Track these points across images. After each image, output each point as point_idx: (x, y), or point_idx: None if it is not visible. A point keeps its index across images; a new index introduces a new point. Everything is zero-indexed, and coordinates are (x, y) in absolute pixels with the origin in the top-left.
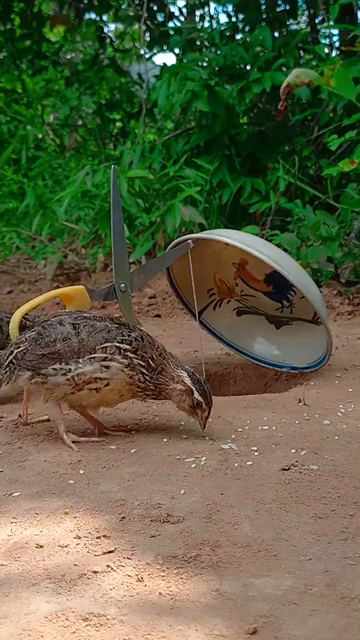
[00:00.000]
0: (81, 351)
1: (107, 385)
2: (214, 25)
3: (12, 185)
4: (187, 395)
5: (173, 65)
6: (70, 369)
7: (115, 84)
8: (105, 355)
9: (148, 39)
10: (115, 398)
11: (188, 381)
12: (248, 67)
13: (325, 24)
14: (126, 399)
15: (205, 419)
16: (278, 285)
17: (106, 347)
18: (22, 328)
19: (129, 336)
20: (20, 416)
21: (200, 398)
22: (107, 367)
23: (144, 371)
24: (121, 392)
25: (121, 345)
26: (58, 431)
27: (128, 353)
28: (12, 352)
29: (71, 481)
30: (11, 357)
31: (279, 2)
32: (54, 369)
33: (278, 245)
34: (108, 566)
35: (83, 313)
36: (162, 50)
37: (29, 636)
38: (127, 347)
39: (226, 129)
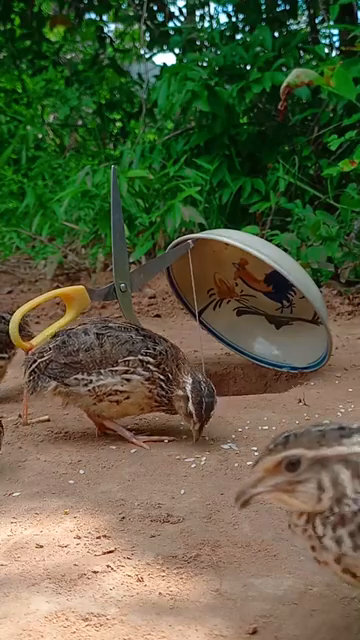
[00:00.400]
0: (103, 363)
1: (127, 398)
2: (214, 25)
3: (12, 185)
4: (184, 402)
5: (173, 65)
6: (91, 380)
7: (115, 84)
8: (127, 368)
9: (148, 39)
10: (135, 411)
11: (188, 388)
12: (248, 67)
13: (325, 24)
14: (146, 412)
15: (196, 431)
16: (278, 285)
17: (129, 360)
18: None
19: (154, 349)
20: (20, 416)
21: (192, 408)
22: (128, 380)
23: (163, 385)
24: (141, 405)
25: (144, 358)
26: (125, 437)
27: (150, 366)
28: (35, 361)
29: (71, 481)
30: (34, 366)
31: (279, 2)
32: (76, 379)
33: (278, 245)
34: (108, 566)
35: (109, 322)
36: (162, 50)
37: (29, 636)
38: (150, 360)
39: (226, 129)
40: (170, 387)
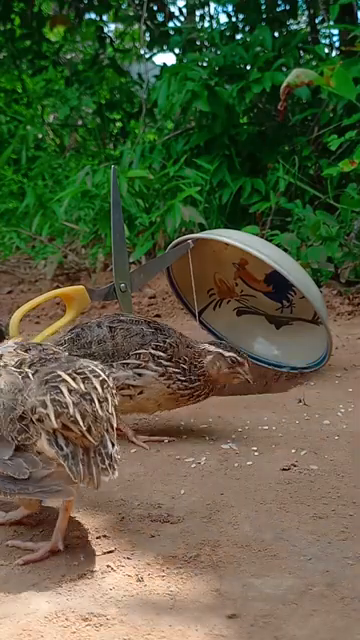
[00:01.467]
0: (115, 355)
1: (141, 393)
2: (214, 25)
3: (12, 185)
4: (220, 360)
5: (173, 65)
6: None
7: (115, 84)
8: (138, 362)
9: (148, 39)
10: (152, 407)
11: (212, 348)
12: (248, 67)
13: (325, 24)
14: (168, 408)
15: (248, 372)
16: (278, 285)
17: (140, 354)
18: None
19: (164, 342)
20: None
21: (232, 354)
22: (140, 375)
23: (179, 376)
24: (158, 401)
25: (155, 352)
26: (127, 436)
27: (162, 361)
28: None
29: None
30: None
31: (279, 2)
32: None
33: (278, 245)
34: (108, 566)
35: (120, 316)
36: (162, 50)
37: (29, 636)
38: (161, 354)
39: (226, 129)
40: (191, 372)
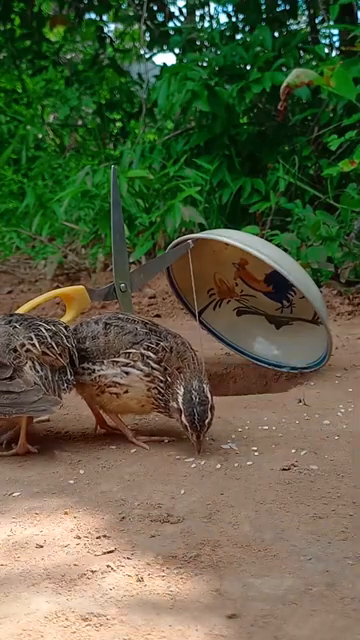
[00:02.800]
0: (106, 352)
1: (126, 392)
2: (214, 25)
3: (12, 185)
4: (178, 414)
5: (173, 65)
6: (95, 369)
7: (115, 84)
8: (127, 361)
9: (148, 39)
10: (137, 407)
11: (180, 400)
12: (248, 67)
13: (325, 24)
14: (147, 412)
15: (196, 442)
16: (278, 285)
17: (130, 353)
18: None
19: (157, 344)
20: None
21: (185, 421)
22: (127, 373)
23: (161, 385)
24: (141, 402)
25: (145, 352)
26: (126, 436)
27: (150, 362)
28: None
29: (71, 481)
30: None
31: (279, 2)
32: (82, 368)
33: (278, 245)
34: (108, 566)
35: (118, 314)
36: (162, 50)
37: (29, 636)
38: (151, 355)
39: (226, 129)
40: (167, 394)
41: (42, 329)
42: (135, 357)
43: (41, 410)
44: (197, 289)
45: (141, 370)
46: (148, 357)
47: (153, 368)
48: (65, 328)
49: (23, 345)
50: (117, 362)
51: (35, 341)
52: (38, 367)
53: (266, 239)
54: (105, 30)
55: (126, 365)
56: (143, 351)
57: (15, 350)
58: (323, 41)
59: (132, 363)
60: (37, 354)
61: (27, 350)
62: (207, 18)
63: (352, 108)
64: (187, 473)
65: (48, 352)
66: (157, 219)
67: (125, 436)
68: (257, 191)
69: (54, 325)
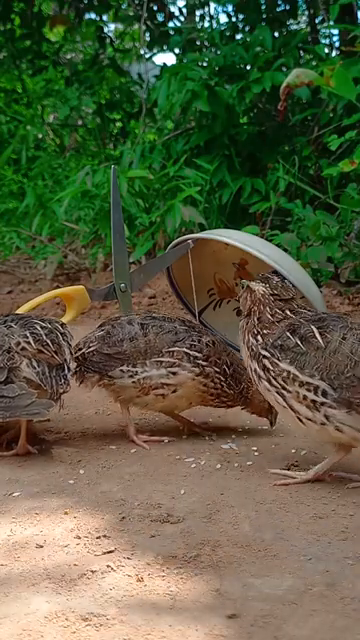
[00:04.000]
0: (148, 353)
1: (175, 392)
2: (214, 25)
3: (12, 185)
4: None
5: (173, 65)
6: (137, 372)
7: (115, 84)
8: (173, 360)
9: (148, 39)
10: (185, 405)
11: None
12: (248, 67)
13: (325, 24)
14: (195, 406)
15: (276, 416)
16: None
17: (173, 351)
18: None
19: (199, 342)
20: None
21: None
22: (174, 373)
23: (220, 378)
24: (190, 400)
25: (190, 352)
26: (128, 433)
27: (200, 361)
28: (80, 349)
29: (71, 481)
30: (78, 354)
31: (279, 2)
32: (121, 371)
33: (278, 245)
34: (108, 566)
35: (152, 313)
36: (162, 50)
37: (29, 636)
38: (197, 354)
39: (226, 129)
40: (233, 379)
41: (37, 327)
42: (179, 355)
43: (34, 413)
44: (197, 289)
45: (192, 371)
46: (195, 357)
47: (204, 366)
48: (62, 326)
49: (18, 343)
50: (161, 362)
51: (30, 339)
52: (35, 364)
53: (266, 239)
54: (105, 30)
55: (172, 365)
56: (187, 350)
57: (9, 351)
58: (323, 41)
59: (178, 362)
60: (33, 352)
61: (22, 348)
62: (207, 18)
63: (352, 108)
64: (187, 473)
65: (43, 350)
66: (157, 219)
67: (126, 432)
68: (257, 191)
69: (50, 323)
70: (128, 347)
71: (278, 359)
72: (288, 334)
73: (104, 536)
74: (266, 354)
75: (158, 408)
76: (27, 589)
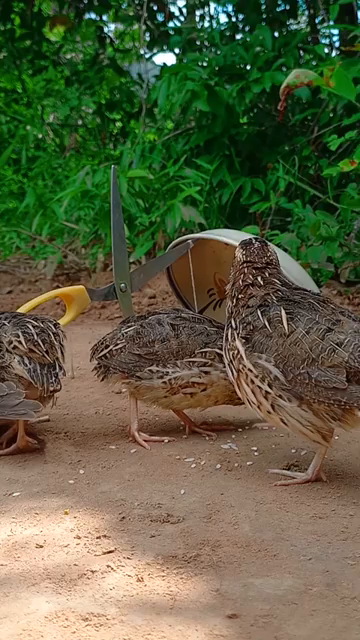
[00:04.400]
0: (180, 354)
1: (204, 390)
2: (214, 25)
3: (12, 185)
4: None
5: (173, 65)
6: (167, 372)
7: (115, 84)
8: (205, 360)
9: (148, 39)
10: (209, 403)
11: None
12: (248, 67)
13: (325, 24)
14: (220, 404)
15: None
16: None
17: (206, 352)
18: None
19: None
20: None
21: None
22: (206, 373)
23: None
24: (217, 398)
25: (222, 352)
26: (130, 429)
27: None
28: (107, 346)
29: (71, 481)
30: (105, 351)
31: (279, 2)
32: (150, 371)
33: (278, 245)
34: (108, 566)
35: (181, 313)
36: (162, 50)
37: (29, 636)
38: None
39: (226, 129)
40: None
41: (30, 326)
42: (211, 355)
43: (21, 413)
44: (197, 289)
45: (223, 371)
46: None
47: None
48: (54, 326)
49: (10, 342)
50: (193, 362)
51: (22, 338)
52: (27, 361)
53: (266, 239)
54: (105, 30)
55: (204, 365)
56: (218, 351)
57: (0, 349)
58: (323, 41)
59: (210, 362)
60: (24, 351)
61: (14, 347)
62: (207, 18)
63: (352, 108)
64: (187, 473)
65: (34, 349)
66: (157, 219)
67: (129, 428)
68: (257, 191)
69: (43, 322)
70: (160, 348)
71: (236, 335)
72: (259, 313)
73: (104, 536)
74: (233, 324)
75: (182, 406)
76: (27, 589)
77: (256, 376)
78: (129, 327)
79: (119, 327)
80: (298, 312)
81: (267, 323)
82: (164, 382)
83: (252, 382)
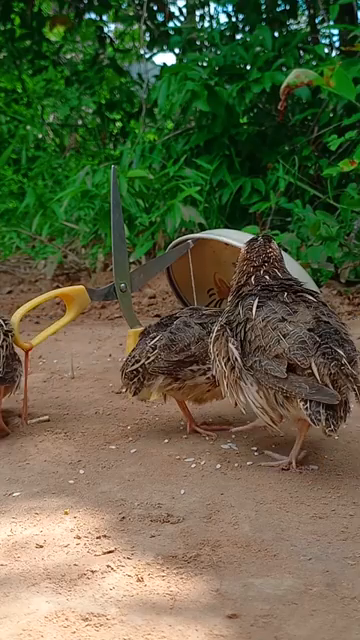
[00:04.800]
0: None
1: None
2: (214, 25)
3: (12, 185)
4: None
5: (173, 65)
6: (208, 368)
7: (115, 84)
8: None
9: (148, 39)
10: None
11: None
12: (248, 67)
13: (325, 24)
14: None
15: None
16: None
17: None
18: None
19: None
20: (20, 416)
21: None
22: None
23: None
24: None
25: None
26: (191, 426)
27: None
28: (138, 361)
29: (71, 481)
30: (137, 366)
31: (279, 2)
32: (192, 370)
33: (278, 245)
34: (108, 566)
35: (201, 310)
36: (162, 50)
37: (29, 636)
38: None
39: (226, 129)
40: None
41: None
42: None
43: None
44: (197, 289)
45: None
46: None
47: None
48: (4, 322)
49: None
50: None
51: None
52: None
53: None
54: (105, 30)
55: None
56: None
57: None
58: (323, 41)
59: None
60: None
61: None
62: (207, 18)
63: (352, 108)
64: (187, 473)
65: None
66: (157, 219)
67: (189, 426)
68: (257, 191)
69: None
70: (196, 349)
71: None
72: (238, 302)
73: (104, 536)
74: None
75: (207, 397)
76: (27, 589)
77: (223, 357)
78: (154, 337)
79: (142, 340)
80: (266, 302)
81: (241, 310)
82: (207, 378)
83: (221, 363)
